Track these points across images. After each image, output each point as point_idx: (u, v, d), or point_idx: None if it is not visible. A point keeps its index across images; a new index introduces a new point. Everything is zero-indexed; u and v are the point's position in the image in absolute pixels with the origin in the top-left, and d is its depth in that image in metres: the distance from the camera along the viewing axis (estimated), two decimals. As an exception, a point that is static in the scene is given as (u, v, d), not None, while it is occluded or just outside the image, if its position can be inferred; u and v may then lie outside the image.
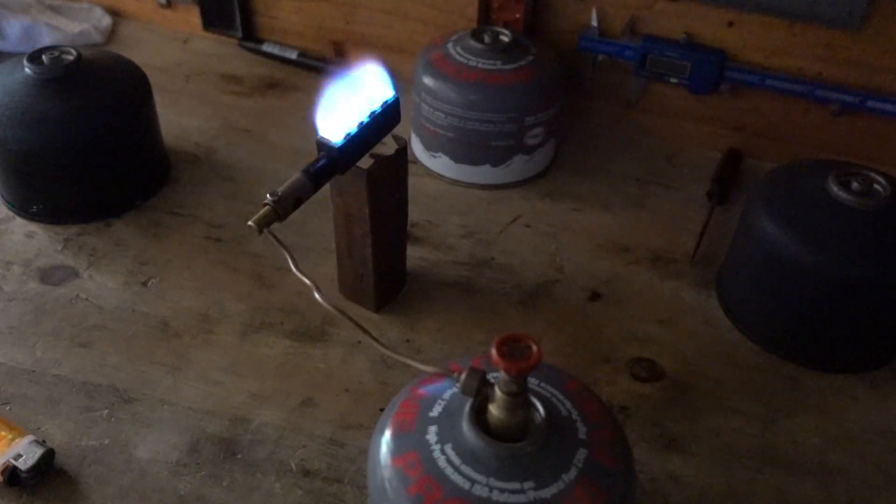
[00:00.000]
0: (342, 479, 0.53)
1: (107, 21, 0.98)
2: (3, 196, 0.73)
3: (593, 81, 0.85)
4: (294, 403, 0.58)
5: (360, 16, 0.90)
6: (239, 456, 0.54)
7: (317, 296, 0.47)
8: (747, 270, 0.64)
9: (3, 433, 0.53)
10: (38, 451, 0.52)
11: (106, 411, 0.57)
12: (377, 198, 0.58)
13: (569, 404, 0.43)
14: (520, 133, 0.75)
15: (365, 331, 0.47)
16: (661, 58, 0.79)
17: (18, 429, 0.53)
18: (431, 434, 0.41)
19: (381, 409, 0.47)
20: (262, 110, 0.88)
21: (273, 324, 0.64)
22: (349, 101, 0.54)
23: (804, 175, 0.63)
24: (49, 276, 0.67)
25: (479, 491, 0.39)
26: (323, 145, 0.52)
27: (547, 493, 0.39)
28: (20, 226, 0.72)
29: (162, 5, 0.98)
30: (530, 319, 0.65)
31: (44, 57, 0.69)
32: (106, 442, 0.55)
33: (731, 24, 0.77)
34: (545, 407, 0.41)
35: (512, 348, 0.38)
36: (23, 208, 0.72)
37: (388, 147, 0.57)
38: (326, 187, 0.54)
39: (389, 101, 0.55)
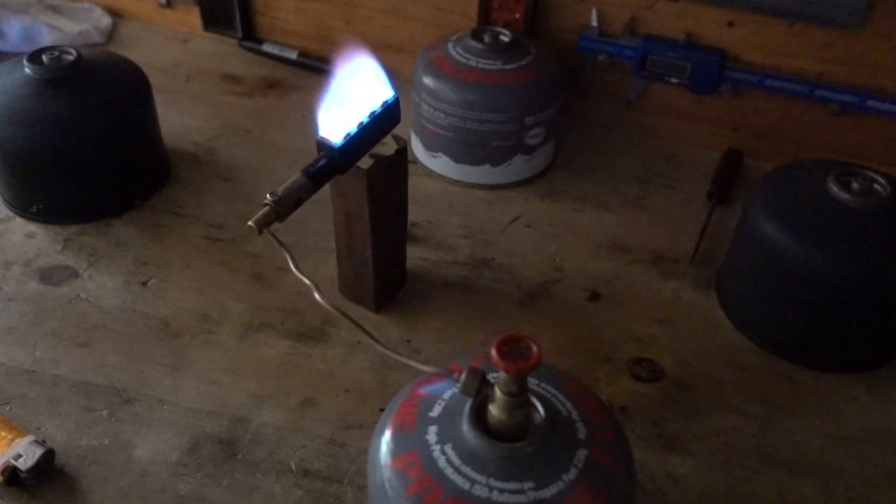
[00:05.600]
0: (342, 479, 0.53)
1: (107, 21, 0.98)
2: (3, 196, 0.73)
3: (593, 81, 0.85)
4: (294, 403, 0.58)
5: (360, 16, 0.90)
6: (239, 456, 0.54)
7: (317, 296, 0.47)
8: (747, 270, 0.64)
9: (3, 433, 0.53)
10: (38, 451, 0.52)
11: (106, 411, 0.57)
12: (377, 198, 0.58)
13: (569, 404, 0.43)
14: (520, 133, 0.75)
15: (365, 331, 0.47)
16: (661, 58, 0.79)
17: (18, 429, 0.53)
18: (431, 434, 0.41)
19: (381, 409, 0.47)
20: (262, 110, 0.88)
21: (273, 324, 0.64)
22: (349, 98, 0.53)
23: (804, 175, 0.63)
24: (49, 276, 0.67)
25: (479, 491, 0.39)
26: (323, 145, 0.52)
27: (547, 493, 0.39)
28: (20, 226, 0.72)
29: (162, 5, 0.98)
30: (530, 319, 0.65)
31: (44, 57, 0.69)
32: (106, 442, 0.55)
33: (731, 24, 0.77)
34: (545, 407, 0.41)
35: (512, 348, 0.38)
36: (23, 208, 0.72)
37: (388, 147, 0.57)
38: (326, 187, 0.54)
39: (389, 101, 0.55)
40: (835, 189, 0.60)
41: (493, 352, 0.38)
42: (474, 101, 0.73)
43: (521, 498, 0.39)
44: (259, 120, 0.86)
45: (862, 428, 0.58)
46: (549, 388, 0.44)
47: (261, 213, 0.49)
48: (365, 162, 0.56)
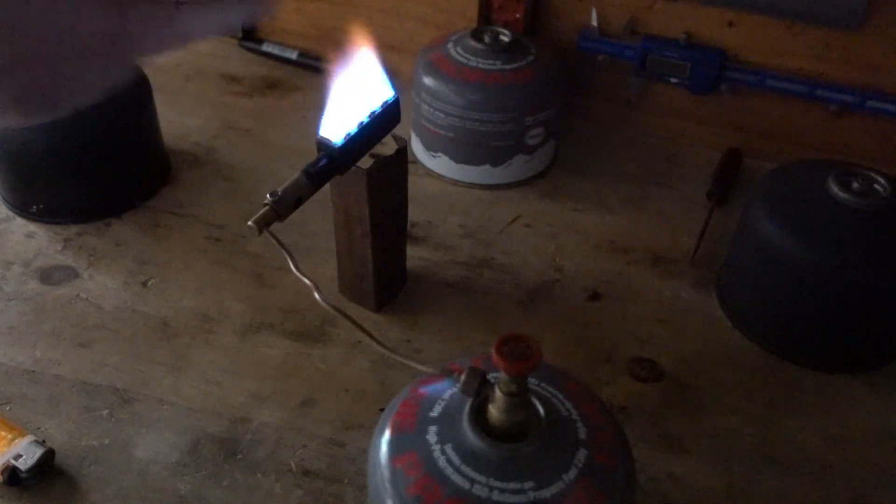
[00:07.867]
0: (342, 479, 0.53)
1: (107, 21, 0.98)
2: (3, 196, 0.73)
3: (593, 81, 0.85)
4: (294, 403, 0.58)
5: (360, 16, 0.90)
6: (239, 456, 0.54)
7: (317, 296, 0.47)
8: (747, 270, 0.64)
9: (3, 433, 0.53)
10: (38, 451, 0.52)
11: (106, 411, 0.57)
12: (377, 198, 0.58)
13: (569, 404, 0.43)
14: (520, 133, 0.75)
15: (365, 331, 0.47)
16: (661, 58, 0.79)
17: (18, 429, 0.53)
18: (431, 434, 0.41)
19: (381, 409, 0.47)
20: (262, 110, 0.88)
21: (273, 324, 0.64)
22: (351, 98, 0.53)
23: (804, 175, 0.63)
24: (49, 276, 0.67)
25: (479, 491, 0.39)
26: (323, 145, 0.52)
27: (547, 493, 0.39)
28: (20, 226, 0.72)
29: (162, 5, 0.98)
30: (530, 319, 0.65)
31: (44, 57, 0.69)
32: (106, 442, 0.55)
33: (731, 24, 0.77)
34: (545, 407, 0.41)
35: (512, 348, 0.38)
36: (23, 208, 0.72)
37: (388, 147, 0.57)
38: (326, 187, 0.54)
39: (389, 101, 0.55)
40: (835, 189, 0.60)
41: (494, 352, 0.38)
42: (474, 101, 0.73)
43: (522, 498, 0.39)
44: (259, 120, 0.86)
45: (862, 428, 0.58)
46: (549, 388, 0.44)
47: (261, 213, 0.49)
48: (365, 162, 0.56)
